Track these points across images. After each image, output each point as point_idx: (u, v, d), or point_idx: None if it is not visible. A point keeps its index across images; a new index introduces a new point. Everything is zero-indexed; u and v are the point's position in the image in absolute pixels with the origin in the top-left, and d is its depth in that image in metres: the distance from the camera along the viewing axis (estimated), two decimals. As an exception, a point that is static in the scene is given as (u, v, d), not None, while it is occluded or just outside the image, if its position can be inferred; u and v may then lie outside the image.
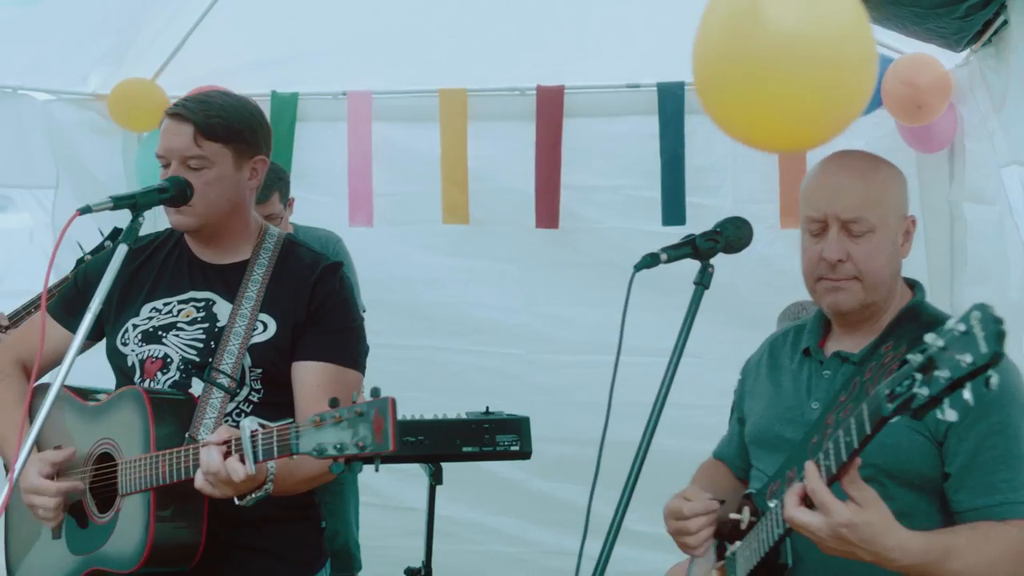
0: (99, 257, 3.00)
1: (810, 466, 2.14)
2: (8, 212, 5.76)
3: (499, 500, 5.64)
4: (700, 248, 2.42)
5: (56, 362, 2.78)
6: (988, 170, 4.34)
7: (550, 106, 5.28)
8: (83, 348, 2.84)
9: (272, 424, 2.27)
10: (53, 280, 3.96)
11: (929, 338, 1.92)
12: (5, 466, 2.87)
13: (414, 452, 4.16)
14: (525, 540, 5.68)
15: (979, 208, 4.53)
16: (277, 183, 4.66)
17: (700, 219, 5.25)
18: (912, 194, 5.17)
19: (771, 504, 2.40)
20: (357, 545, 4.90)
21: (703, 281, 2.42)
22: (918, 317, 2.47)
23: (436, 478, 4.23)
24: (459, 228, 5.45)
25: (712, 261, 2.47)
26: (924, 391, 1.90)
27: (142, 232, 2.64)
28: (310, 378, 2.67)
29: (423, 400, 4.73)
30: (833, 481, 2.11)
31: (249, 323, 2.68)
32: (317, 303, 2.72)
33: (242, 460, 2.28)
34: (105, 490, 2.63)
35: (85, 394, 2.81)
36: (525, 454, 4.23)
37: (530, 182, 5.34)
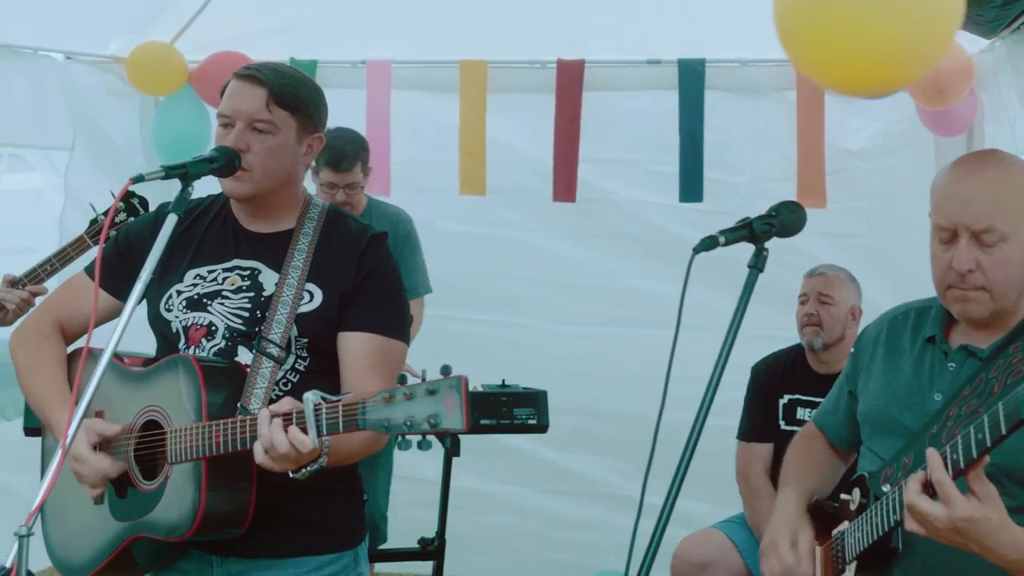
0: (140, 220, 2.94)
1: (935, 456, 2.16)
2: (18, 172, 5.77)
3: (511, 471, 5.67)
4: (756, 231, 2.41)
5: (96, 325, 2.72)
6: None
7: (570, 80, 5.28)
8: (119, 312, 2.86)
9: (334, 397, 2.23)
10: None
11: None
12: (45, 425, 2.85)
13: (432, 424, 4.18)
14: (536, 512, 5.72)
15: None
16: (361, 153, 4.67)
17: (717, 196, 5.27)
18: (929, 178, 5.21)
19: (885, 489, 2.43)
20: (384, 517, 4.90)
21: (758, 264, 2.41)
22: None
23: (453, 450, 4.26)
24: (477, 197, 5.45)
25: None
26: None
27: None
28: (356, 349, 2.63)
29: (436, 370, 4.76)
30: (958, 476, 2.13)
31: (296, 292, 2.65)
32: (365, 273, 2.68)
33: (304, 431, 2.25)
34: (149, 457, 2.60)
35: (121, 358, 2.78)
36: (542, 427, 4.24)
37: (549, 154, 5.35)
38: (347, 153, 4.60)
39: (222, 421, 2.43)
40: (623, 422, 5.54)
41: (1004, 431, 2.04)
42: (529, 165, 5.49)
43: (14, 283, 3.88)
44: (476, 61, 5.35)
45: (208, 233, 2.80)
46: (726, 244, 2.40)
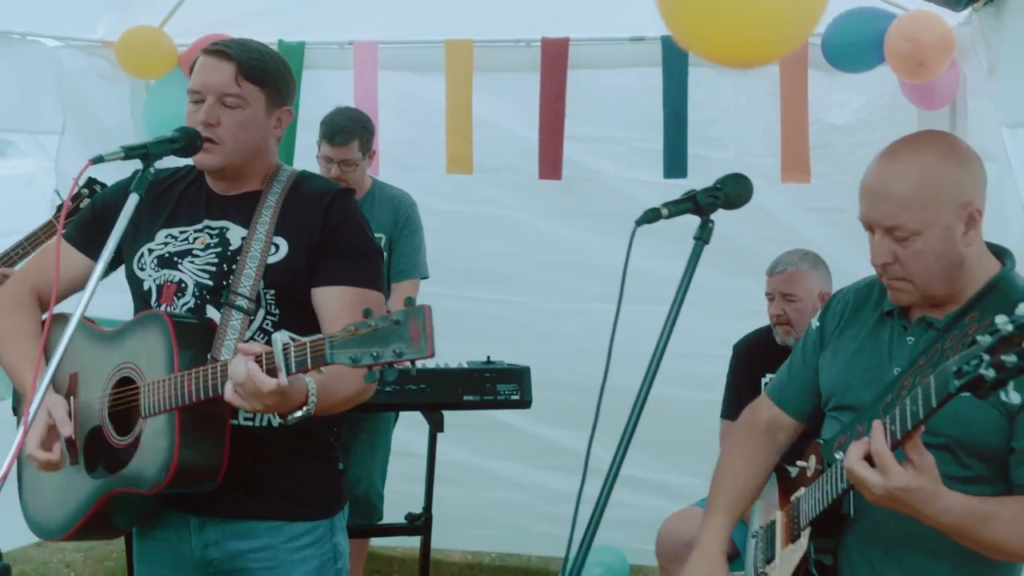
0: (115, 185, 2.99)
1: (877, 426, 2.20)
2: (9, 157, 5.82)
3: (502, 446, 5.75)
4: (700, 204, 2.41)
5: (76, 289, 2.83)
6: (989, 128, 4.37)
7: (555, 58, 5.30)
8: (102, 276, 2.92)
9: (304, 338, 2.27)
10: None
11: (1000, 320, 1.94)
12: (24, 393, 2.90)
13: (415, 400, 4.26)
14: (527, 485, 5.79)
15: (981, 166, 4.56)
16: (359, 131, 4.74)
17: (703, 171, 5.28)
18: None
19: (838, 456, 2.46)
20: (380, 496, 4.96)
21: (703, 236, 2.41)
22: (1005, 291, 2.44)
23: (437, 426, 4.32)
24: (465, 176, 5.50)
25: (712, 216, 2.48)
26: (990, 373, 1.94)
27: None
28: (333, 302, 2.68)
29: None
30: (897, 446, 2.18)
31: (264, 246, 2.70)
32: (331, 225, 2.73)
33: (274, 373, 2.29)
34: (124, 413, 2.66)
35: (92, 321, 2.83)
36: (525, 403, 4.33)
37: (535, 132, 5.39)
38: (343, 128, 4.69)
39: (194, 370, 2.49)
40: (613, 397, 5.56)
41: (935, 404, 2.08)
42: (515, 143, 5.52)
43: None
44: (461, 41, 5.37)
45: (183, 197, 2.87)
46: (669, 216, 2.40)
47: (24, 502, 2.92)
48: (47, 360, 2.47)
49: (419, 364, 4.26)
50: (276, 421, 2.52)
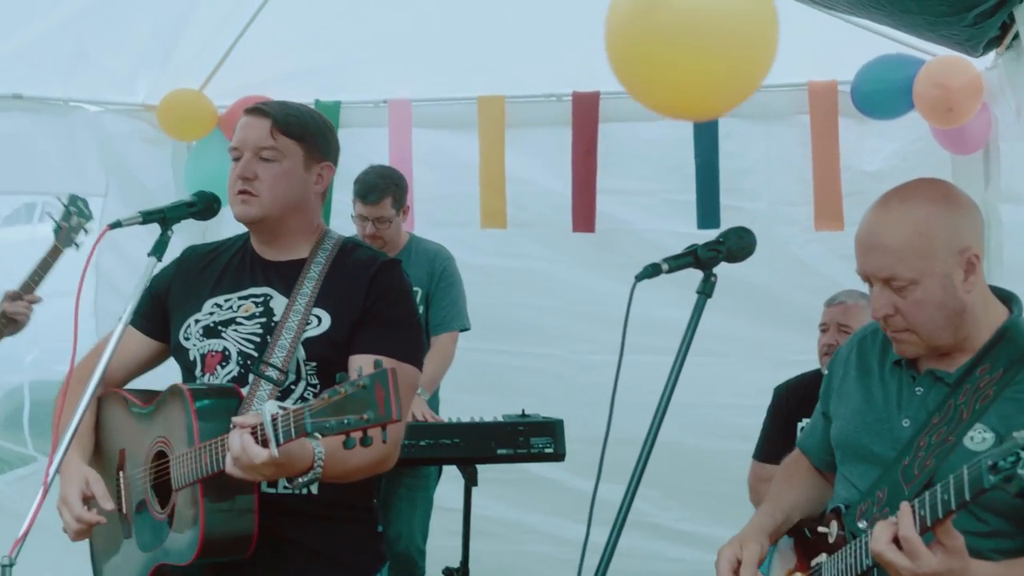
0: (166, 267, 3.03)
1: (905, 510, 2.16)
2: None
3: (539, 499, 5.73)
4: (702, 258, 2.42)
5: (142, 371, 2.93)
6: (1022, 170, 4.36)
7: (586, 112, 5.35)
8: (162, 354, 2.97)
9: (291, 407, 2.29)
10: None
11: None
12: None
13: (449, 454, 4.28)
14: (565, 539, 5.73)
15: (1015, 209, 4.54)
16: (391, 188, 4.81)
17: (735, 222, 5.17)
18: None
19: (861, 525, 2.43)
20: (421, 552, 4.95)
21: (706, 290, 2.42)
22: (1014, 339, 2.39)
23: (471, 479, 4.33)
24: (499, 231, 5.56)
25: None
26: None
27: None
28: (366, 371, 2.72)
29: (465, 401, 4.82)
30: (926, 532, 2.13)
31: (302, 318, 2.71)
32: (375, 297, 2.75)
33: (267, 445, 2.30)
34: (164, 485, 2.69)
35: (151, 397, 2.86)
36: (559, 456, 4.32)
37: (567, 186, 5.44)
38: (376, 186, 4.76)
39: (211, 442, 2.51)
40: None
41: (968, 497, 2.04)
42: (548, 197, 5.57)
43: (15, 297, 4.20)
44: (493, 97, 5.46)
45: (229, 264, 2.91)
46: (670, 271, 2.42)
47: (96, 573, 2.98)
48: (64, 432, 2.53)
49: (454, 418, 4.36)
50: (283, 485, 2.53)
